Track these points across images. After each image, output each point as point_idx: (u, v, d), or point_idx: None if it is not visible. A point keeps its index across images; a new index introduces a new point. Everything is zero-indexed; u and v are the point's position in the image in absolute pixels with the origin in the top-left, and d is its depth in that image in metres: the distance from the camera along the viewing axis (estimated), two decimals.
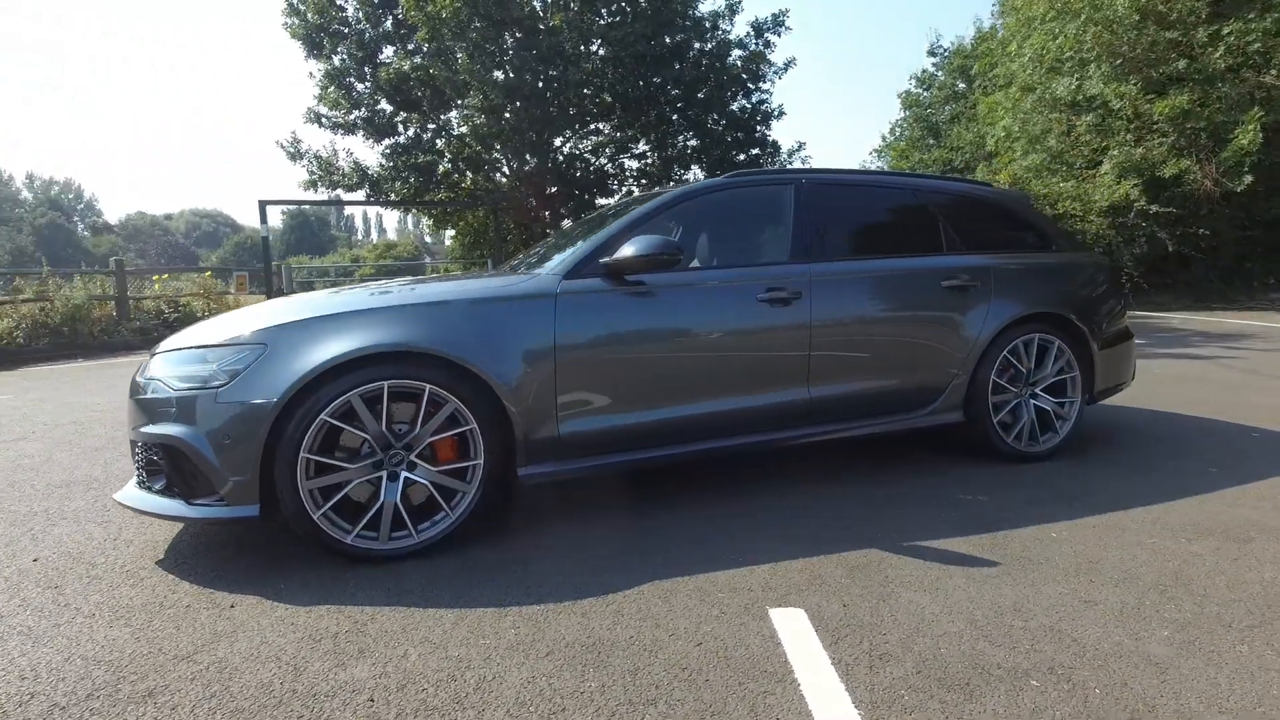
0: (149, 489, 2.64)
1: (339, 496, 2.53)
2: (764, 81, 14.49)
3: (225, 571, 2.54)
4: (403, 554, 2.59)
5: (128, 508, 2.64)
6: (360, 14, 11.77)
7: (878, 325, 3.42)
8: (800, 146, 15.09)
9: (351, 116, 12.09)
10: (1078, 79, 13.03)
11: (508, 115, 11.20)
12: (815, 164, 16.05)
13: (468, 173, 13.15)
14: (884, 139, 26.26)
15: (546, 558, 2.62)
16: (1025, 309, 3.63)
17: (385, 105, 12.08)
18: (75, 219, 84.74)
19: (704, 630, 2.08)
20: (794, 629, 2.07)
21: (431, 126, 12.68)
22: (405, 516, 2.60)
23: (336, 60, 11.88)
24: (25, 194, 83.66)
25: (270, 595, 2.36)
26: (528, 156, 12.41)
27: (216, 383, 2.49)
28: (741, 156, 14.08)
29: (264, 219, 12.37)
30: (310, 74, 12.01)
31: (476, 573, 2.49)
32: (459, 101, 11.65)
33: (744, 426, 3.17)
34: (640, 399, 2.97)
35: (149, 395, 2.61)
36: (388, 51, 11.88)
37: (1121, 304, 4.10)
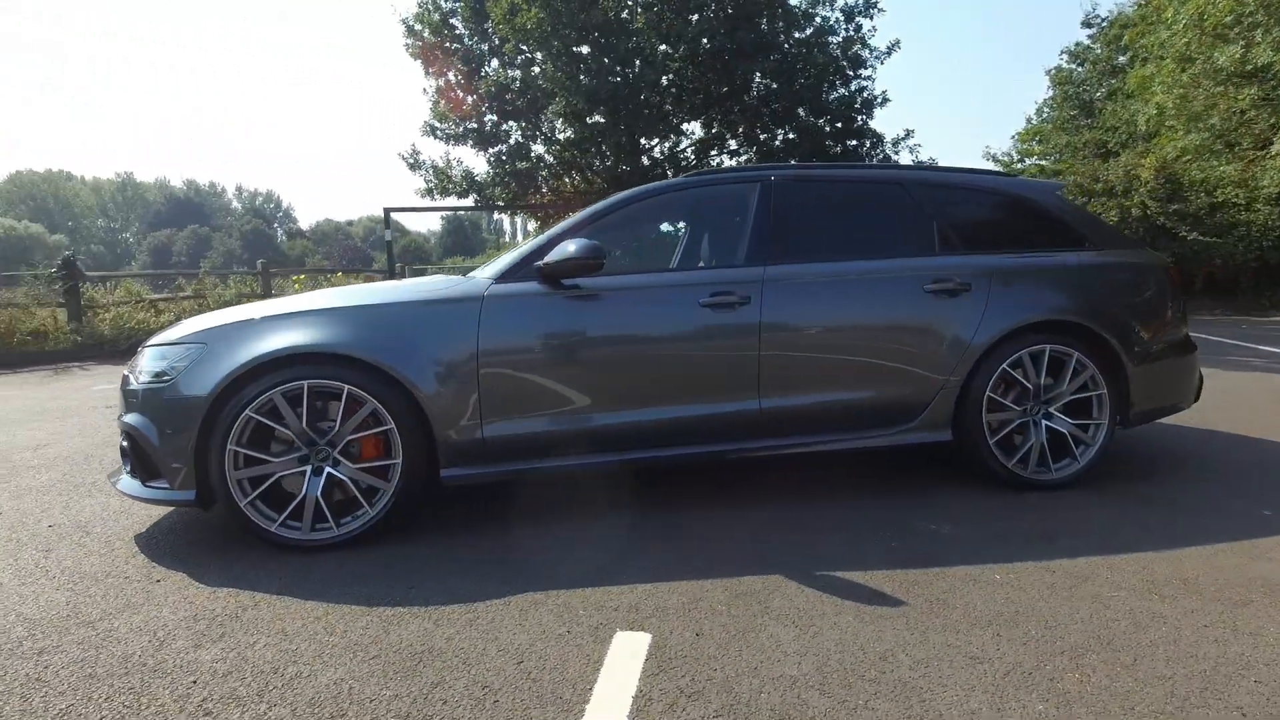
0: (125, 471, 2.94)
1: (264, 487, 2.69)
2: (865, 68, 13.70)
3: (182, 549, 2.77)
4: (323, 545, 2.71)
5: (113, 486, 2.96)
6: (466, 31, 12.43)
7: (844, 333, 3.13)
8: (906, 135, 14.09)
9: (460, 128, 12.82)
10: (1243, 46, 11.16)
11: (590, 120, 11.35)
12: (925, 155, 14.85)
13: (564, 177, 13.49)
14: (1029, 121, 23.85)
15: (448, 559, 2.64)
16: (1030, 316, 3.18)
17: (489, 115, 12.68)
18: (275, 225, 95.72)
19: (535, 648, 2.01)
20: (626, 655, 1.96)
21: (532, 133, 13.15)
22: (326, 510, 2.71)
23: (451, 76, 12.64)
24: (235, 204, 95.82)
25: (194, 574, 2.55)
26: (621, 158, 12.52)
27: (167, 378, 2.73)
28: (839, 149, 13.37)
29: (388, 224, 13.38)
30: (424, 90, 12.89)
31: (376, 569, 2.56)
32: (546, 109, 11.98)
33: (686, 436, 3.02)
34: (572, 405, 2.92)
35: (128, 386, 2.90)
36: (494, 64, 12.45)
37: (1178, 312, 3.48)
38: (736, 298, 3.01)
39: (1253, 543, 2.61)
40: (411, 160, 13.24)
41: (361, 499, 2.75)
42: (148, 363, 2.84)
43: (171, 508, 3.18)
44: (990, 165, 20.27)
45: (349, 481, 2.74)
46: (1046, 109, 23.14)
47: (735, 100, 12.65)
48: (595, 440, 2.95)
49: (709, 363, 3.02)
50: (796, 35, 12.65)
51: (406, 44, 12.64)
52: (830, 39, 13.09)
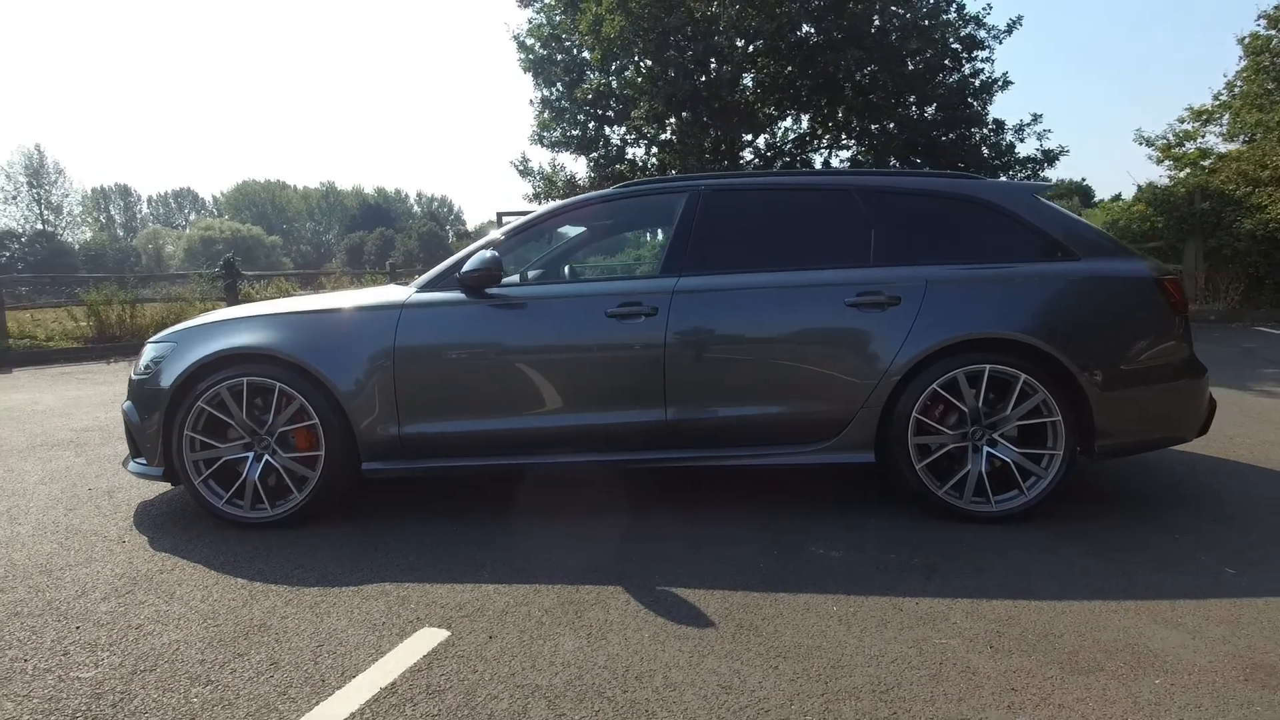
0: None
1: (214, 468, 3.07)
2: (981, 49, 12.48)
3: (167, 519, 3.21)
4: (260, 523, 3.05)
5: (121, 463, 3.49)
6: (571, 43, 12.85)
7: (755, 346, 3.02)
8: (1034, 120, 12.68)
9: (563, 135, 13.29)
10: None
11: (670, 121, 11.27)
12: (1055, 142, 13.30)
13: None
14: (1217, 97, 20.52)
15: (348, 545, 2.86)
16: (960, 333, 2.89)
17: (588, 123, 13.04)
18: (446, 227, 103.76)
19: (343, 634, 2.17)
20: (412, 649, 2.07)
21: (632, 137, 13.36)
22: (262, 493, 3.05)
23: (560, 86, 13.14)
24: (415, 208, 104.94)
25: (153, 539, 2.97)
26: (717, 158, 12.38)
27: (149, 370, 3.18)
28: (950, 138, 12.33)
29: (500, 226, 14.19)
30: (530, 101, 13.49)
31: (287, 548, 2.83)
32: (629, 115, 12.09)
33: (595, 444, 3.06)
34: (485, 407, 3.06)
35: (130, 376, 3.41)
36: (596, 74, 12.77)
37: (1173, 331, 3.00)
38: (644, 309, 3.00)
39: (1174, 604, 2.24)
40: (521, 167, 13.99)
41: (292, 486, 3.05)
42: (143, 356, 3.32)
43: (158, 481, 3.67)
44: (1143, 150, 17.71)
45: (282, 469, 3.05)
46: (1240, 82, 19.87)
47: (828, 92, 12.09)
48: (507, 444, 3.07)
49: (615, 373, 3.03)
50: (898, 20, 11.81)
51: (520, 59, 13.35)
52: (938, 19, 12.09)
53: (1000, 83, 12.71)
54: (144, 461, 3.17)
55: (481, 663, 1.98)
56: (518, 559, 2.69)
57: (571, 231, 3.82)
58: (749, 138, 13.23)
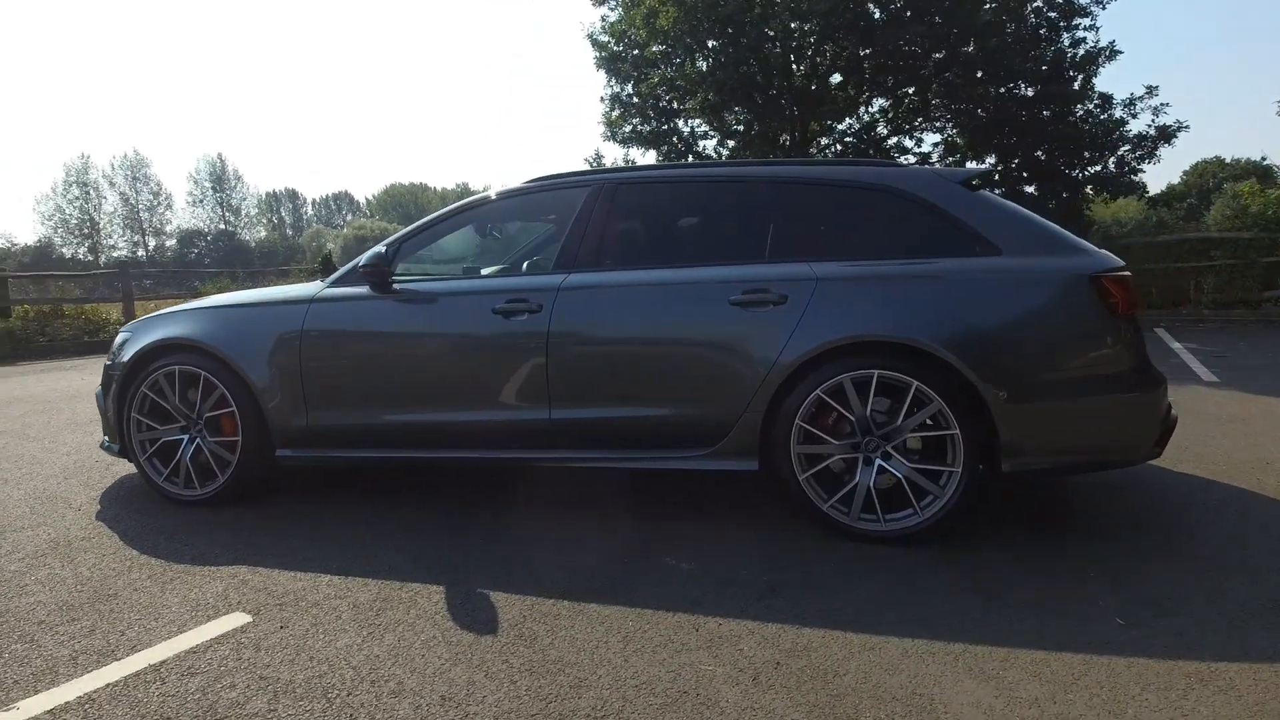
0: None
1: (154, 448, 3.31)
2: (1083, 16, 11.06)
3: (127, 493, 3.51)
4: (191, 501, 3.26)
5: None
6: (636, 39, 12.73)
7: (638, 345, 2.86)
8: (1148, 92, 11.07)
9: (632, 131, 13.22)
10: None
11: (738, 110, 10.81)
12: (1173, 117, 11.46)
13: None
14: None
15: (240, 526, 2.99)
16: (845, 334, 2.59)
17: (658, 117, 12.88)
18: None
19: (158, 609, 2.27)
20: (203, 631, 2.12)
21: (698, 129, 13.08)
22: (192, 473, 3.26)
23: (631, 86, 13.09)
24: None
25: (100, 510, 3.25)
26: (790, 146, 11.84)
27: (112, 357, 3.48)
28: (1046, 113, 11.03)
29: None
30: (601, 98, 13.52)
31: (191, 524, 3.01)
32: (682, 106, 11.77)
33: (488, 441, 3.03)
34: (382, 401, 3.10)
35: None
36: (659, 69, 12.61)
37: (1116, 337, 2.54)
38: (529, 306, 2.92)
39: (1010, 654, 1.90)
40: (594, 164, 14.06)
41: (216, 469, 3.24)
42: (114, 344, 3.64)
43: (120, 458, 3.94)
44: None
45: (209, 452, 3.25)
46: None
47: (897, 73, 11.19)
48: (404, 438, 3.10)
49: (502, 370, 2.98)
50: None
51: (594, 57, 13.44)
52: None
53: (1106, 53, 11.30)
54: (108, 440, 3.48)
55: (251, 651, 2.02)
56: (386, 552, 2.70)
57: (540, 228, 3.77)
58: (830, 124, 12.55)
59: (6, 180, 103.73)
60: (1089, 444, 2.57)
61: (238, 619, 2.20)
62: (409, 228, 3.28)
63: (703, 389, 2.78)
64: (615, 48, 12.87)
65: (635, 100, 12.79)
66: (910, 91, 12.12)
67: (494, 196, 3.30)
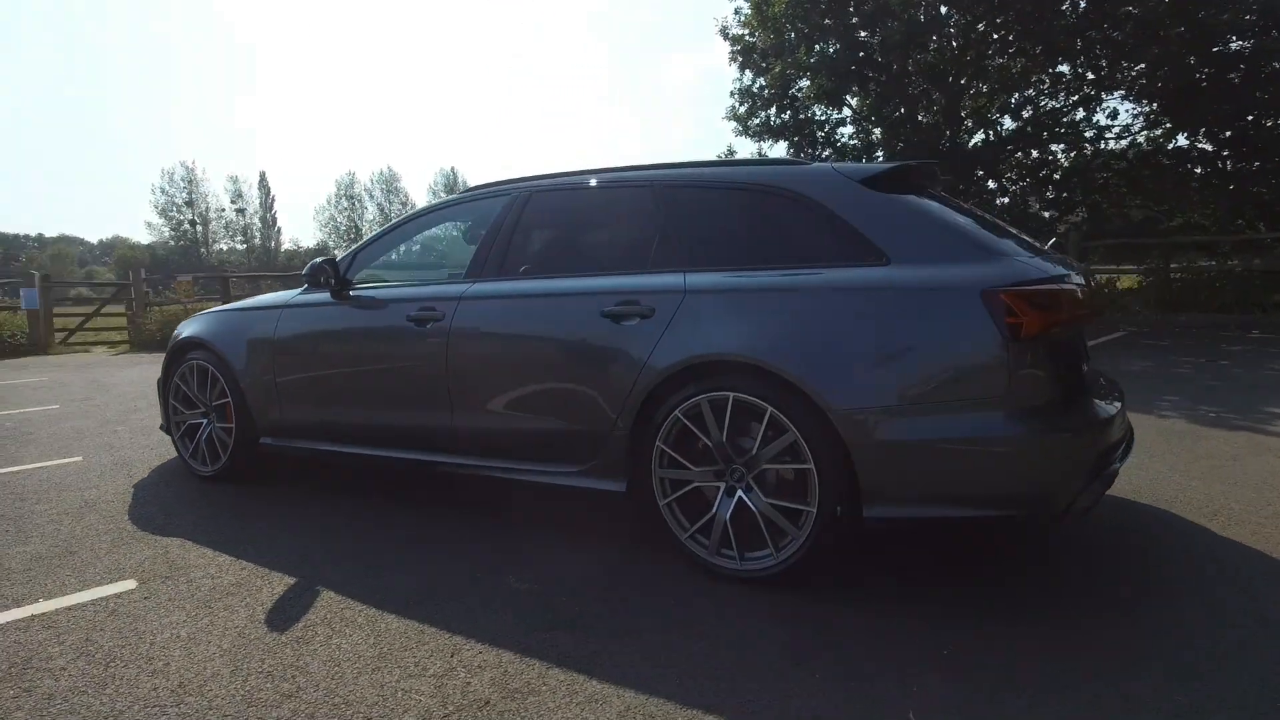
0: None
1: (183, 430, 3.85)
2: None
3: (171, 464, 4.15)
4: (204, 476, 3.74)
5: None
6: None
7: (519, 356, 2.80)
8: None
9: (764, 123, 12.64)
10: None
11: (852, 96, 9.81)
12: None
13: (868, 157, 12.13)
14: None
15: (227, 500, 3.39)
16: (698, 352, 2.32)
17: (792, 107, 12.18)
18: None
19: (84, 561, 2.64)
20: (89, 593, 2.43)
21: (834, 115, 12.16)
22: (205, 454, 3.73)
23: (764, 80, 12.57)
24: None
25: (131, 471, 3.86)
26: (939, 131, 10.63)
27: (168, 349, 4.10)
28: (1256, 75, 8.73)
29: None
30: (731, 93, 13.07)
31: (189, 492, 3.47)
32: (799, 93, 10.86)
33: (409, 443, 3.13)
34: (331, 399, 3.34)
35: None
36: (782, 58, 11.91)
37: (1009, 362, 2.01)
38: (435, 314, 2.98)
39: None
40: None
41: (220, 450, 3.69)
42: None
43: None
44: None
45: (215, 436, 3.72)
46: None
47: (1041, 39, 9.46)
48: (351, 433, 3.31)
49: (415, 375, 3.06)
50: None
51: (731, 51, 13.07)
52: None
53: None
54: (162, 420, 4.11)
55: (104, 616, 2.28)
56: (314, 544, 2.86)
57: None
58: (983, 98, 11.10)
59: (297, 194, 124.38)
60: (974, 493, 2.08)
61: (126, 585, 2.51)
62: (366, 239, 3.49)
63: (576, 403, 2.65)
64: (750, 39, 12.45)
65: (766, 92, 12.31)
66: (1078, 58, 10.35)
67: (435, 206, 3.39)
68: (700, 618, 2.15)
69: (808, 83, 11.12)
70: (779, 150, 12.74)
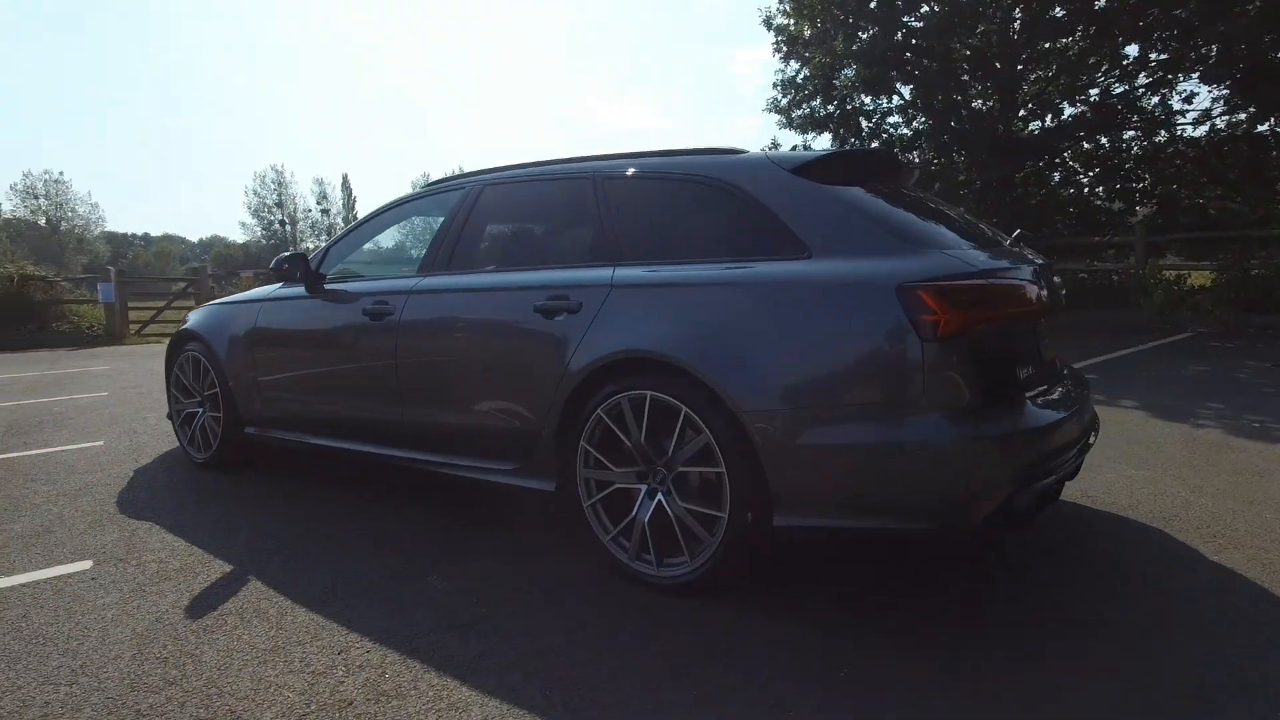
0: None
1: (182, 417, 3.99)
2: None
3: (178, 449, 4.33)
4: (199, 462, 3.88)
5: None
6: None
7: (459, 351, 2.76)
8: None
9: (809, 114, 12.20)
10: None
11: (900, 84, 9.25)
12: None
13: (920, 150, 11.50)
14: None
15: (213, 485, 3.50)
16: (621, 348, 2.22)
17: (840, 96, 11.71)
18: None
19: (56, 541, 2.76)
20: (48, 571, 2.54)
21: (881, 105, 11.61)
22: (200, 441, 3.87)
23: (807, 70, 12.14)
24: None
25: (141, 452, 4.04)
26: (993, 118, 10.01)
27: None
28: None
29: None
30: (774, 84, 12.66)
31: (174, 478, 3.61)
32: (837, 82, 10.34)
33: (368, 436, 3.15)
34: (301, 392, 3.40)
35: None
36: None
37: (924, 363, 1.82)
38: (388, 308, 2.98)
39: None
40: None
41: (211, 440, 3.81)
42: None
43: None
44: None
45: (207, 425, 3.84)
46: None
47: (1096, 18, 8.70)
48: (320, 425, 3.36)
49: (372, 369, 3.06)
50: None
51: (774, 42, 12.72)
52: None
53: None
54: (169, 408, 4.29)
55: (50, 595, 2.37)
56: (272, 529, 2.96)
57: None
58: (1045, 84, 10.38)
59: (377, 195, 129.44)
60: (886, 504, 1.90)
61: (83, 565, 2.61)
62: (341, 232, 3.53)
63: (510, 400, 2.59)
64: (793, 29, 12.08)
65: (811, 84, 11.92)
66: (1145, 38, 9.57)
67: (402, 199, 3.39)
68: (598, 625, 2.06)
69: (850, 72, 10.72)
70: (823, 142, 12.38)
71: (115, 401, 6.09)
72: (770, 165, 2.28)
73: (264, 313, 3.56)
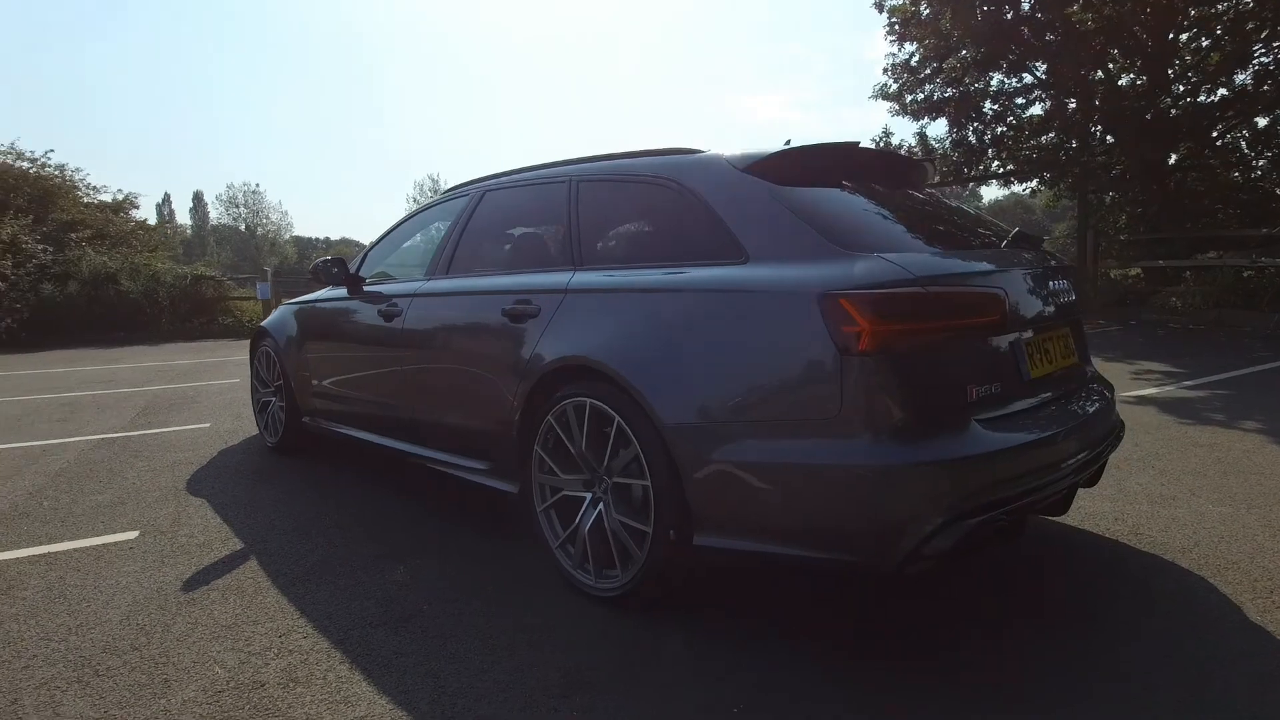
0: None
1: (260, 405, 4.41)
2: None
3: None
4: (270, 446, 4.27)
5: None
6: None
7: (446, 352, 2.82)
8: None
9: (926, 99, 11.23)
10: None
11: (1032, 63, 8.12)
12: None
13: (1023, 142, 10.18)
14: None
15: (277, 467, 3.83)
16: (565, 354, 2.17)
17: (962, 79, 10.69)
18: None
19: (108, 514, 3.13)
20: (101, 539, 2.88)
21: (1009, 85, 10.43)
22: (273, 427, 4.25)
23: (917, 49, 11.21)
24: None
25: (224, 432, 4.49)
26: (1137, 100, 8.73)
27: None
28: None
29: None
30: (885, 69, 11.75)
31: (247, 458, 3.98)
32: (942, 66, 9.27)
33: (392, 432, 3.28)
34: (338, 386, 3.62)
35: None
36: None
37: (853, 379, 1.60)
38: (396, 310, 3.10)
39: None
40: (883, 141, 12.47)
41: (279, 426, 4.16)
42: None
43: None
44: None
45: (276, 413, 4.20)
46: None
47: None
48: (351, 418, 3.57)
49: (386, 368, 3.21)
50: None
51: (887, 24, 11.88)
52: None
53: None
54: None
55: (90, 560, 2.69)
56: (303, 517, 3.22)
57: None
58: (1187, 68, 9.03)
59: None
60: (801, 530, 1.70)
61: (129, 535, 2.94)
62: (380, 235, 3.73)
63: (484, 401, 2.61)
64: (907, 6, 11.26)
65: (925, 65, 11.07)
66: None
67: (427, 205, 3.52)
68: (524, 632, 2.02)
69: (966, 53, 9.83)
70: (938, 128, 11.50)
71: (241, 388, 6.81)
72: (720, 164, 2.12)
73: (315, 313, 3.84)
